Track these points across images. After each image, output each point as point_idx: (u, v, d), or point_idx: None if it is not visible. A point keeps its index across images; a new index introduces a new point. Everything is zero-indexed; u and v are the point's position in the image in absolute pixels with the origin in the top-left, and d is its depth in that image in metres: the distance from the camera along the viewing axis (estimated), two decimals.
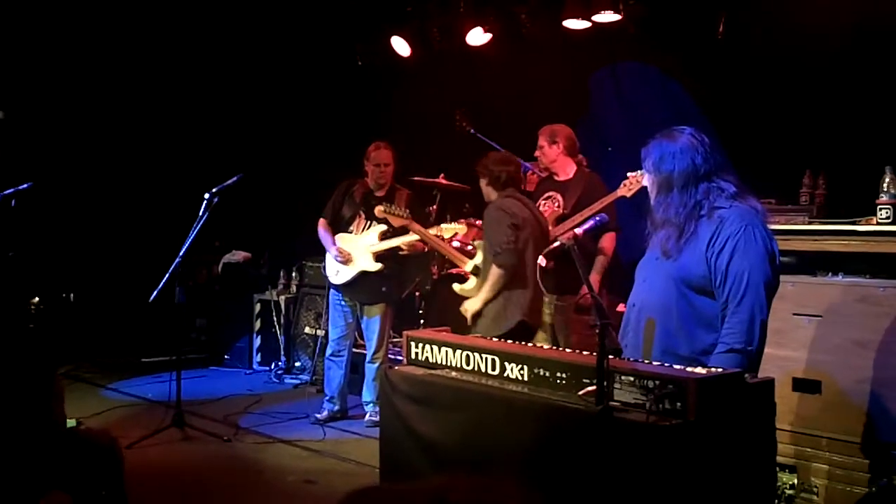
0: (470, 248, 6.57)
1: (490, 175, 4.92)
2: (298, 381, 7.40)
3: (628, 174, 4.97)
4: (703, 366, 2.85)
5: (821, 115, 5.31)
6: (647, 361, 2.93)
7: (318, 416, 6.04)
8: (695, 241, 3.04)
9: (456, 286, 5.21)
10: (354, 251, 5.84)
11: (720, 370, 2.71)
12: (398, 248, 5.76)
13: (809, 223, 4.21)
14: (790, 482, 3.97)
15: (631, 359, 3.03)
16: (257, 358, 7.98)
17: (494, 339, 3.56)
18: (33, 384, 2.39)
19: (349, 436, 5.73)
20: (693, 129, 3.18)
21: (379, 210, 5.49)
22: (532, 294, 4.73)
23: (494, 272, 4.69)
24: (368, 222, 5.90)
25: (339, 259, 5.82)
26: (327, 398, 6.12)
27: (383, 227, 5.80)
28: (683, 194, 3.07)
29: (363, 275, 5.82)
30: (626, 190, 5.04)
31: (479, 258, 5.07)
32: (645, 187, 3.32)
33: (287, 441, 5.57)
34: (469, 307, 4.81)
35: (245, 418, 6.15)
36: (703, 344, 3.02)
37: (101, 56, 7.94)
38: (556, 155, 5.46)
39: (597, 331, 2.60)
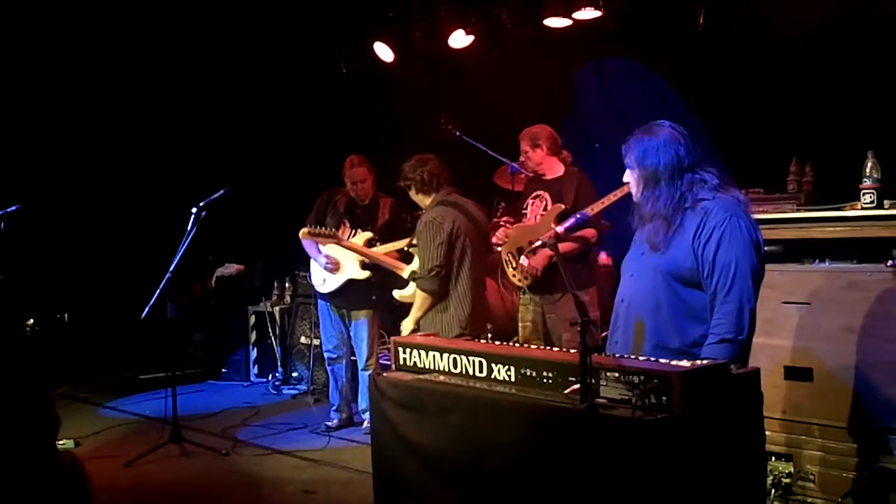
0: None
1: (415, 182, 4.75)
2: (296, 392, 7.42)
3: None
4: (695, 358, 2.85)
5: (805, 102, 5.31)
6: (635, 357, 2.92)
7: (329, 423, 6.07)
8: (682, 233, 3.05)
9: (396, 293, 5.17)
10: (341, 259, 5.83)
11: (705, 363, 2.70)
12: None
13: (797, 211, 4.20)
14: (786, 470, 3.96)
15: (617, 355, 3.02)
16: (254, 370, 7.99)
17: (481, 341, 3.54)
18: (34, 409, 2.33)
19: (348, 444, 5.73)
20: (671, 122, 3.18)
21: (304, 233, 5.60)
22: (473, 304, 4.62)
23: (420, 295, 4.62)
24: (354, 231, 5.90)
25: (328, 267, 5.81)
26: (334, 407, 6.13)
27: (369, 235, 5.79)
28: (671, 187, 3.07)
29: (350, 283, 5.82)
30: None
31: (415, 264, 4.93)
32: None
33: (285, 452, 5.56)
34: (404, 328, 4.73)
35: (243, 431, 6.15)
36: (693, 336, 3.02)
37: (86, 72, 7.94)
38: (540, 158, 5.44)
39: (578, 328, 2.59)
